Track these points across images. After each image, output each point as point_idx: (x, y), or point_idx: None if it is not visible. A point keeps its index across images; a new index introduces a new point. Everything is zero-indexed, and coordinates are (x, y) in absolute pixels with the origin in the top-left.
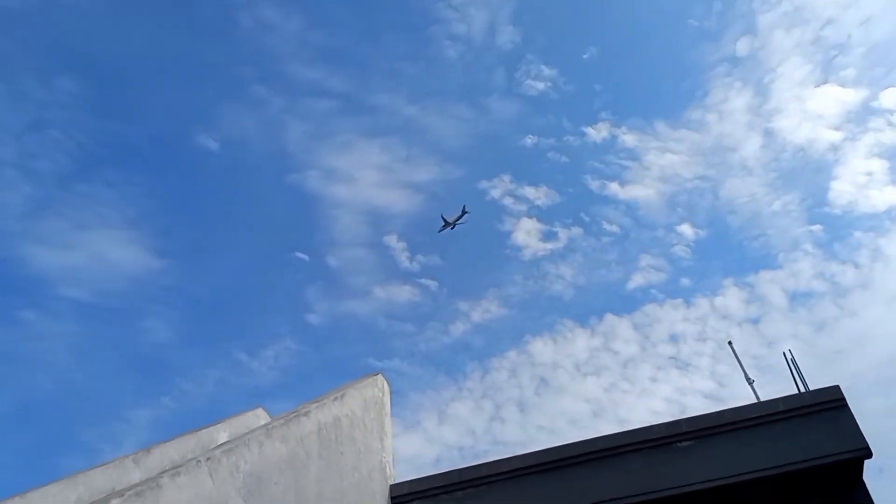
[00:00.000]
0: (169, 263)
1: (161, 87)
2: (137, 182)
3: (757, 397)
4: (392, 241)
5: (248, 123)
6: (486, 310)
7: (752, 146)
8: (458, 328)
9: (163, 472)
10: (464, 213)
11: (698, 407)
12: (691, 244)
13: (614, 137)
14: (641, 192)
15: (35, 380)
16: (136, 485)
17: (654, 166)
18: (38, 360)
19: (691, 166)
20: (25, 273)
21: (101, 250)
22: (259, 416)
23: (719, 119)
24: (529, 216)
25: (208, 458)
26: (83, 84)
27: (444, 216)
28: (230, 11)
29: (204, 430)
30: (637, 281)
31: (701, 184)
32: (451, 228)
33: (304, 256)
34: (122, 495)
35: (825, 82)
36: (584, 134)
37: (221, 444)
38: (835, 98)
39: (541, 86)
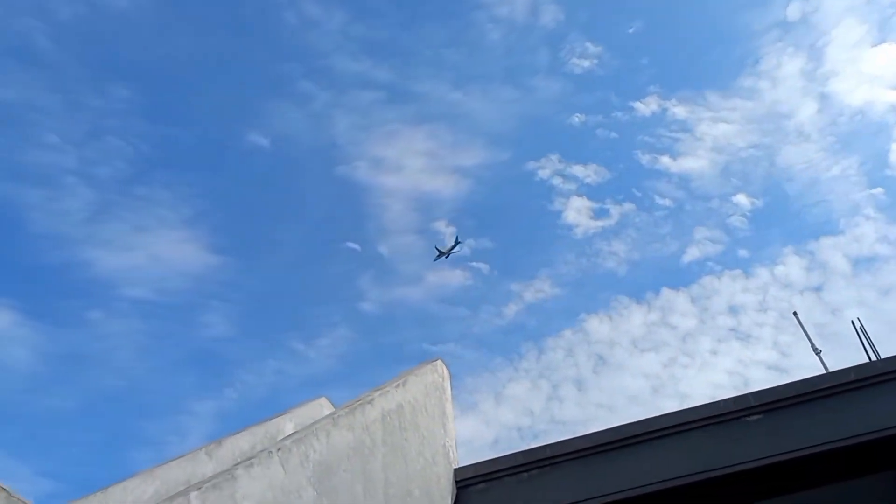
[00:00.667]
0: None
1: (210, 88)
2: (192, 182)
3: (825, 367)
4: (441, 226)
5: (295, 119)
6: (539, 290)
7: (807, 111)
8: (512, 309)
9: (237, 464)
10: (457, 242)
11: (761, 379)
12: (747, 214)
13: (664, 110)
14: (694, 163)
15: (103, 377)
16: (213, 477)
17: (707, 137)
18: (104, 358)
19: (745, 135)
20: (90, 275)
21: (160, 250)
22: (322, 406)
23: (772, 86)
24: (579, 195)
25: (279, 449)
26: (136, 90)
27: (438, 247)
28: (274, 10)
29: (271, 421)
30: (693, 254)
31: (756, 152)
32: (446, 257)
33: (356, 246)
34: (200, 487)
35: (882, 42)
36: (632, 109)
37: (291, 435)
38: (893, 58)
39: (586, 63)
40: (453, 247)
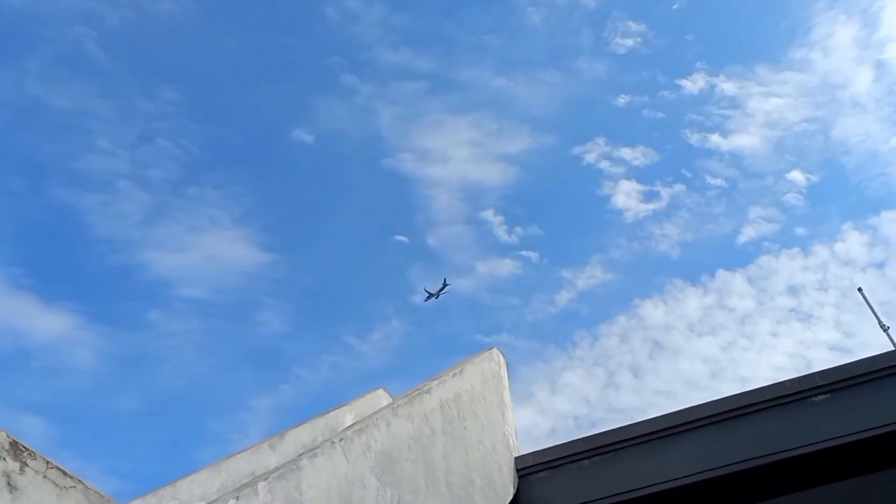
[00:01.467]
0: (276, 257)
1: (255, 87)
2: (241, 181)
3: (893, 344)
4: (489, 215)
5: (340, 113)
6: (591, 276)
7: (862, 81)
8: (564, 297)
9: (301, 455)
10: (445, 285)
11: (824, 360)
12: (803, 190)
13: (712, 87)
14: (746, 140)
15: (164, 376)
16: (279, 468)
17: (759, 112)
18: (165, 358)
19: (798, 109)
20: (147, 277)
21: (214, 250)
22: (381, 397)
23: (825, 56)
24: (628, 178)
25: (341, 439)
26: (184, 93)
27: (427, 289)
28: (314, 6)
29: (331, 413)
30: (748, 234)
31: (810, 126)
32: (436, 298)
33: (404, 239)
34: (267, 478)
35: None
36: (679, 87)
37: (352, 425)
38: None
39: (629, 42)
40: (442, 288)
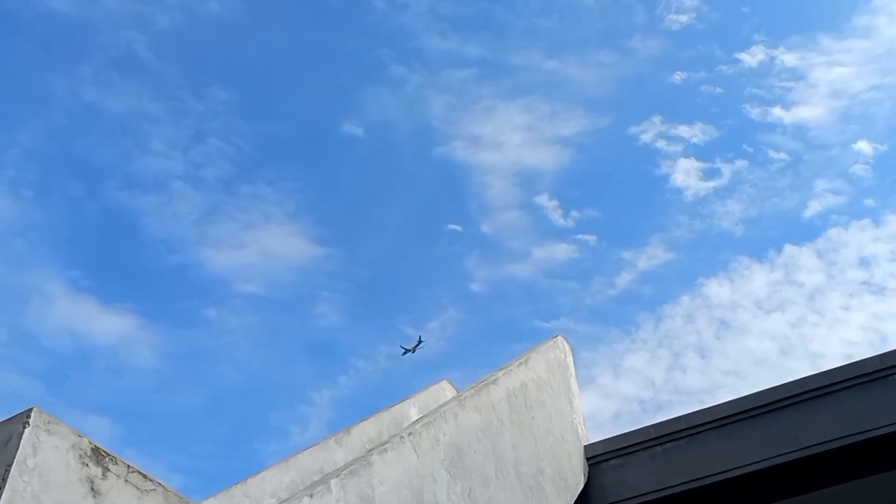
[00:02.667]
0: (330, 250)
1: (304, 82)
2: (293, 177)
3: None
4: (543, 200)
5: (390, 104)
6: (652, 256)
7: None
8: (624, 279)
9: (371, 450)
10: (420, 341)
11: None
12: (871, 161)
13: (771, 59)
14: (810, 112)
15: (224, 373)
16: (350, 464)
17: (822, 83)
18: (224, 354)
19: (864, 77)
20: (204, 275)
21: (269, 246)
22: (444, 389)
23: (890, 21)
24: (686, 156)
25: (410, 434)
26: (233, 91)
27: (402, 345)
28: None
29: (395, 407)
30: (815, 207)
31: (876, 94)
32: (413, 353)
33: (458, 227)
34: (339, 475)
35: None
36: (737, 61)
37: (420, 419)
38: None
39: (683, 18)
40: (418, 344)
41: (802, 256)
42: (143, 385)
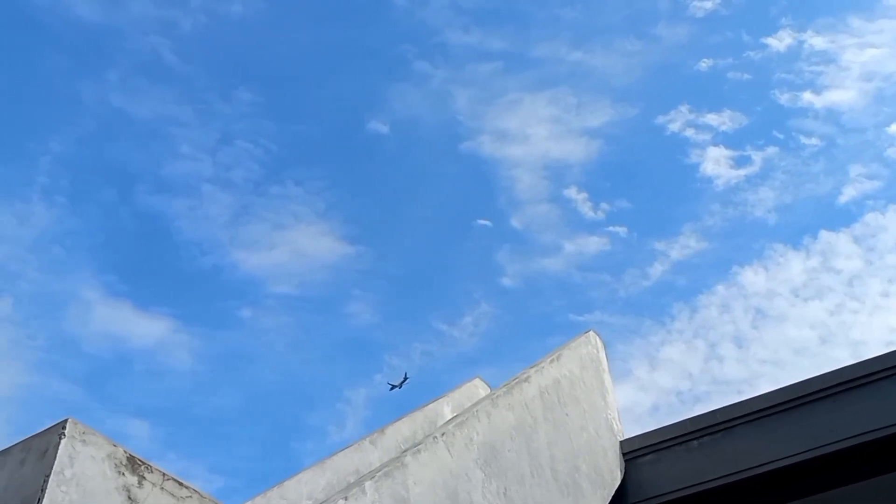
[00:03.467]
0: (361, 248)
1: (329, 81)
2: (321, 176)
3: None
4: (573, 193)
5: (415, 100)
6: (685, 246)
7: None
8: (657, 269)
9: (405, 451)
10: (406, 378)
11: None
12: None
13: (800, 43)
14: (842, 95)
15: (259, 373)
16: (384, 465)
17: (854, 65)
18: (259, 354)
19: None
20: (238, 277)
21: (300, 245)
22: (477, 387)
23: None
24: (715, 144)
25: (443, 434)
26: (259, 93)
27: (389, 381)
28: None
29: (429, 406)
30: (850, 192)
31: None
32: (399, 388)
33: (487, 222)
34: (374, 477)
35: None
36: (765, 46)
37: (453, 419)
38: None
39: (708, 5)
40: (404, 380)
41: (839, 242)
42: (181, 387)
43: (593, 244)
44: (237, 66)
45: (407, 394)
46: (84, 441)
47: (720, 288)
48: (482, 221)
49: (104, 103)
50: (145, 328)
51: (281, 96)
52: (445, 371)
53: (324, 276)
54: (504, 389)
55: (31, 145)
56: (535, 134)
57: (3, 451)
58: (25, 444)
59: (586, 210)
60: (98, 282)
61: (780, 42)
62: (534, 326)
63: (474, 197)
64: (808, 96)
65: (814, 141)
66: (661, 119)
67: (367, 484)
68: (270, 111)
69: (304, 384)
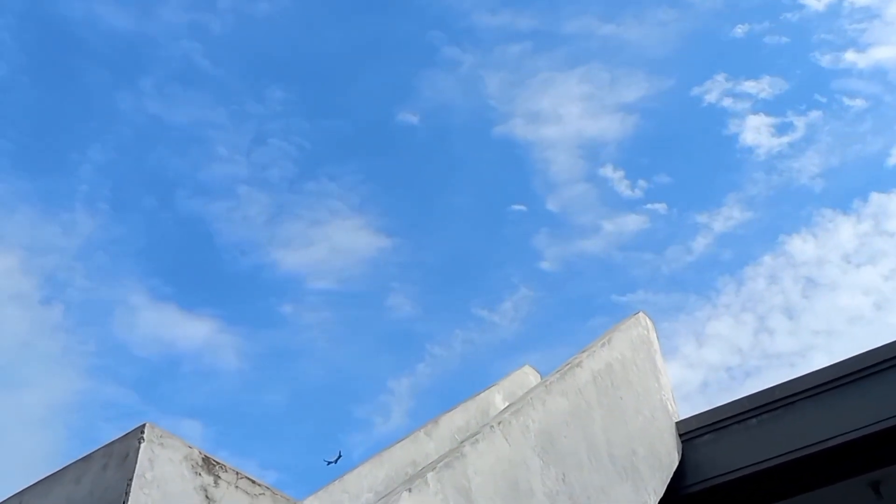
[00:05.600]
0: (398, 241)
1: (358, 74)
2: (355, 170)
3: None
4: (609, 171)
5: (445, 87)
6: (729, 217)
7: None
8: (700, 243)
9: (463, 442)
10: (339, 455)
11: None
12: None
13: (840, 1)
14: (888, 52)
15: (304, 369)
16: (444, 456)
17: None
18: (303, 351)
19: None
20: (278, 275)
21: (337, 241)
22: (528, 374)
23: None
24: (755, 113)
25: (500, 423)
26: (291, 90)
27: (325, 458)
28: None
29: (480, 395)
30: None
31: None
32: (335, 463)
33: (522, 207)
34: (435, 468)
35: None
36: (802, 6)
37: (508, 407)
38: None
39: None
40: (338, 457)
41: (892, 204)
42: (229, 386)
43: (632, 223)
44: (267, 65)
45: (451, 382)
46: (162, 444)
47: (767, 258)
48: (517, 206)
49: (140, 111)
50: (191, 330)
51: (312, 92)
52: (488, 358)
53: (362, 270)
54: (557, 376)
55: (73, 156)
56: (569, 113)
57: (84, 457)
58: (107, 450)
59: (623, 188)
60: (144, 286)
61: (818, 1)
62: (576, 309)
63: (509, 182)
64: (850, 56)
65: (858, 102)
66: (696, 90)
67: (430, 475)
68: (302, 108)
69: (348, 378)
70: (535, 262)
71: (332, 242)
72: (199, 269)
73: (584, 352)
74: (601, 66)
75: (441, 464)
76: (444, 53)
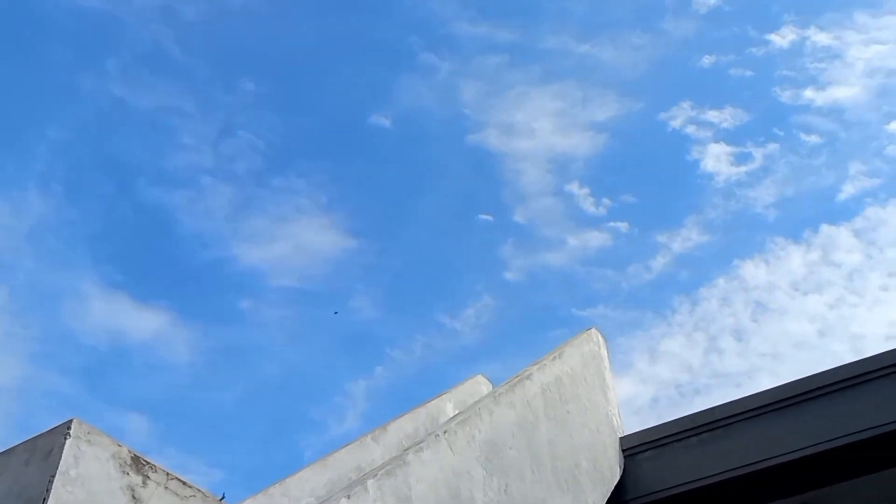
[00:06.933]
0: (364, 243)
1: (334, 72)
2: (324, 169)
3: None
4: (575, 188)
5: (421, 93)
6: (687, 238)
7: None
8: (660, 262)
9: (407, 450)
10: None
11: None
12: None
13: (803, 40)
14: (845, 92)
15: (259, 366)
16: (386, 463)
17: (859, 61)
18: (259, 348)
19: None
20: (238, 270)
21: (302, 239)
22: (480, 383)
23: None
24: (716, 141)
25: (445, 431)
26: (263, 84)
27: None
28: None
29: (432, 402)
30: (851, 187)
31: None
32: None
33: (489, 217)
34: (376, 475)
35: None
36: (767, 42)
37: (455, 416)
38: None
39: (711, 1)
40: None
41: (840, 236)
42: (180, 381)
43: (595, 239)
44: (240, 56)
45: (408, 387)
46: (89, 441)
47: (721, 281)
48: (485, 216)
49: (104, 93)
50: (143, 321)
51: (284, 88)
52: (447, 364)
53: (326, 270)
54: (506, 387)
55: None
56: (541, 128)
57: (5, 451)
58: (29, 445)
59: (588, 205)
60: (95, 273)
61: (782, 38)
62: (536, 320)
63: (479, 190)
64: (809, 93)
65: (814, 138)
66: (663, 115)
67: (370, 482)
68: (274, 102)
69: (304, 378)
70: (499, 272)
71: (297, 240)
72: (155, 260)
73: (535, 364)
74: (575, 85)
75: (383, 471)
76: (421, 59)
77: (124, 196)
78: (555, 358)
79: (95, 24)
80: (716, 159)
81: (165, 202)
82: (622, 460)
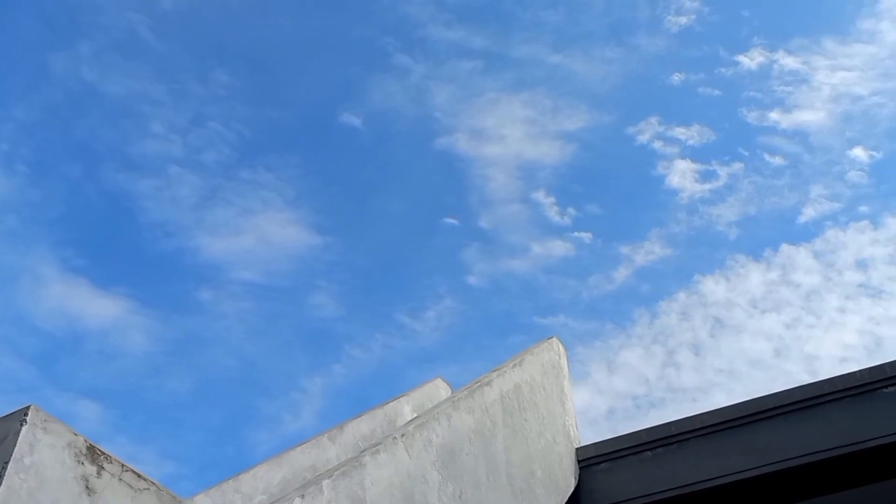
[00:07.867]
0: (329, 240)
1: (309, 69)
2: (294, 164)
3: None
4: (541, 196)
5: (393, 93)
6: (650, 251)
7: None
8: (622, 273)
9: (363, 451)
10: None
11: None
12: (866, 168)
13: (771, 63)
14: (810, 116)
15: (216, 358)
16: (342, 465)
17: (825, 87)
18: (218, 340)
19: (866, 82)
20: (201, 261)
21: (267, 233)
22: (439, 387)
23: (893, 26)
24: (683, 158)
25: (403, 435)
26: (236, 76)
27: None
28: None
29: (389, 404)
30: (812, 209)
31: (879, 99)
32: None
33: (454, 221)
34: (331, 476)
35: None
36: (736, 63)
37: (413, 420)
38: None
39: (683, 20)
40: None
41: (799, 257)
42: (136, 370)
43: (559, 248)
44: (215, 47)
45: (365, 386)
46: (45, 429)
47: (681, 295)
48: (451, 220)
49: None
50: (101, 307)
51: (258, 81)
52: (406, 365)
53: (289, 265)
54: (466, 392)
55: None
56: (511, 135)
57: None
58: None
59: (553, 214)
60: (55, 256)
61: (751, 60)
62: (497, 325)
63: (446, 193)
64: (775, 115)
65: (778, 159)
66: (631, 129)
67: (325, 483)
68: (246, 95)
69: (261, 372)
70: (462, 275)
71: (262, 233)
72: (117, 246)
73: (495, 371)
74: (546, 94)
75: (338, 472)
76: (396, 60)
77: (89, 181)
78: (515, 365)
79: (72, 5)
80: (681, 175)
81: (130, 189)
82: (577, 471)
